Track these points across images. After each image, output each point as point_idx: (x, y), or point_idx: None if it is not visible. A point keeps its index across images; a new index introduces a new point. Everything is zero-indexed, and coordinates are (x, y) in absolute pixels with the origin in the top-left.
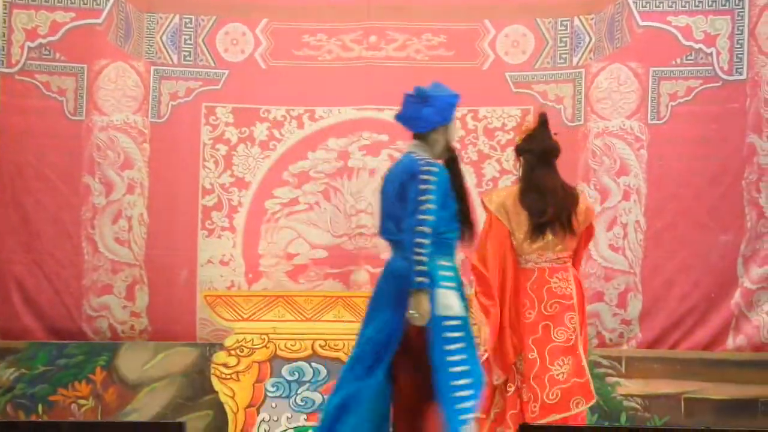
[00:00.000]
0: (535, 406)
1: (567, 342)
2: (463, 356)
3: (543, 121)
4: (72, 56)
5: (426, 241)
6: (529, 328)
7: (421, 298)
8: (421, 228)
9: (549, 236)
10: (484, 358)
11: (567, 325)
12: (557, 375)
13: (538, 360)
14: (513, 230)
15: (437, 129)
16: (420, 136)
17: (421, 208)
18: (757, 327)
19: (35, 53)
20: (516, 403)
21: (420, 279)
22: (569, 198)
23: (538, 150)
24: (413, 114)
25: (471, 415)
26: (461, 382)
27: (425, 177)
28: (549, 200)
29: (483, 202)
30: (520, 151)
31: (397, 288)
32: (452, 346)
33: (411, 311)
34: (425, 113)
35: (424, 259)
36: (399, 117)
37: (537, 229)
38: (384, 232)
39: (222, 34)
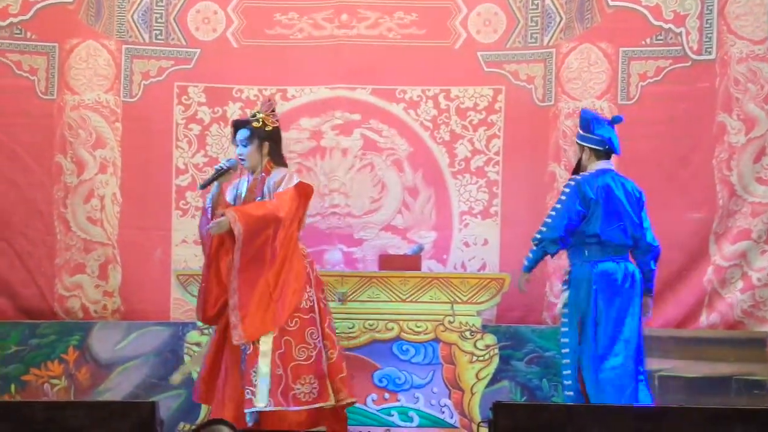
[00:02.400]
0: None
1: None
2: None
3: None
4: (43, 35)
5: None
6: None
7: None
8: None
9: None
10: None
11: None
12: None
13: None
14: None
15: None
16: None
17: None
18: (731, 304)
19: (6, 32)
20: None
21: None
22: None
23: (279, 136)
24: (615, 138)
25: None
26: None
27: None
28: None
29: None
30: (275, 136)
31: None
32: None
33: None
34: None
35: None
36: (611, 142)
37: None
38: (629, 237)
39: (193, 12)
